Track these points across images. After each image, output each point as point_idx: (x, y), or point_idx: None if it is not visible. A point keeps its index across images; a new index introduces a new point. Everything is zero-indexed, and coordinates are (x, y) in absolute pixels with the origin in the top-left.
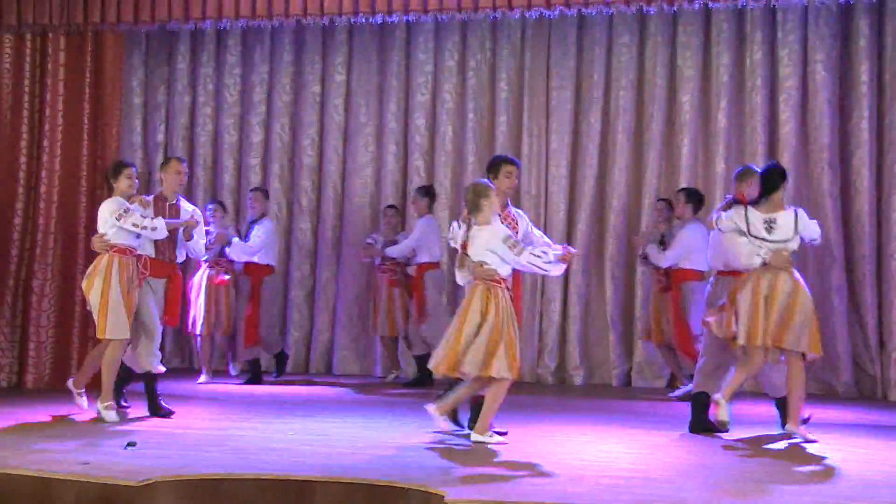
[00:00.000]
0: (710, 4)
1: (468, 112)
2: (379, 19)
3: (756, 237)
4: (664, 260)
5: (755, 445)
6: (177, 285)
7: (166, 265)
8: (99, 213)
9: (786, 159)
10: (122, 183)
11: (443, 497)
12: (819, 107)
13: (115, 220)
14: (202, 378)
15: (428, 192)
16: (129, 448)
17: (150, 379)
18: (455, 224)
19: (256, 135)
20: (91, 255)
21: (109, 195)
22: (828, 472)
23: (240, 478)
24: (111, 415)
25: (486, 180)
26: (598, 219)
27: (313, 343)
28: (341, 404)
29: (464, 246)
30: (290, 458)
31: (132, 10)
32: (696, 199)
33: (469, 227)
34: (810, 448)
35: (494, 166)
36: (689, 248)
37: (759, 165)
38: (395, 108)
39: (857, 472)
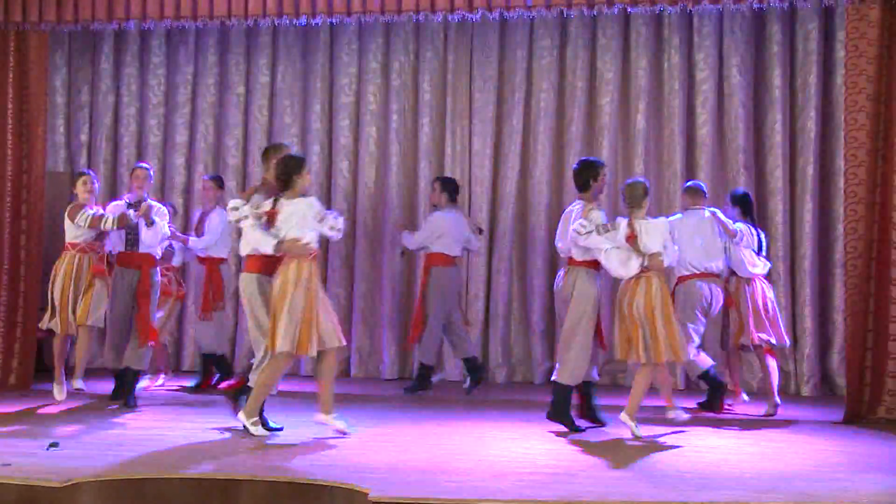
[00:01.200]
0: (629, 9)
1: (392, 113)
2: (303, 21)
3: (752, 250)
4: (412, 242)
5: (675, 442)
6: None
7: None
8: (291, 214)
9: (703, 161)
10: (306, 179)
11: (366, 494)
12: (734, 110)
13: (317, 222)
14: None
15: (221, 182)
16: (52, 449)
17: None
18: (582, 221)
19: (181, 135)
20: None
21: (269, 191)
22: (744, 466)
23: (164, 477)
24: (260, 430)
25: (642, 178)
26: (520, 218)
27: (238, 342)
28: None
29: (629, 238)
30: (214, 457)
31: (55, 9)
32: (451, 187)
33: (631, 222)
34: (727, 443)
35: (594, 169)
36: (439, 233)
37: (679, 169)
38: (320, 109)
39: (773, 466)
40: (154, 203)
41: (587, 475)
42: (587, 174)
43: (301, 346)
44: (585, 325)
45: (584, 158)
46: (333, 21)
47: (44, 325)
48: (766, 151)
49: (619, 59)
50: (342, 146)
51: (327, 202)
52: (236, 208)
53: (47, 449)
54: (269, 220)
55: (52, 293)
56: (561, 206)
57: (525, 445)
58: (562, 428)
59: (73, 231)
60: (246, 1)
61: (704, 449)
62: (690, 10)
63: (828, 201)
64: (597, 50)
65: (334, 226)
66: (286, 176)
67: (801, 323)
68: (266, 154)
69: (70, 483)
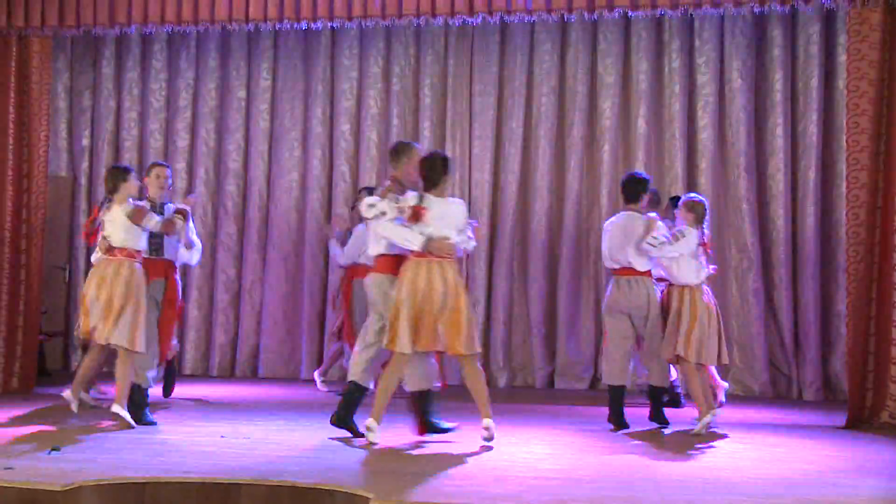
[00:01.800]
0: (630, 13)
1: (393, 118)
2: (304, 25)
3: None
4: (342, 258)
5: (676, 445)
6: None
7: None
8: (444, 214)
9: (704, 165)
10: (450, 180)
11: (368, 499)
12: (735, 113)
13: (465, 226)
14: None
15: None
16: (53, 452)
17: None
18: (655, 234)
19: (182, 140)
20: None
21: (401, 191)
22: (747, 471)
23: (164, 481)
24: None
25: (703, 197)
26: (520, 222)
27: (239, 346)
28: (267, 407)
29: (704, 247)
30: (215, 461)
31: (56, 14)
32: None
33: (677, 239)
34: (730, 448)
35: (645, 183)
36: (364, 247)
37: (679, 173)
38: (321, 113)
39: (776, 471)
40: (175, 206)
41: (589, 480)
42: (640, 187)
43: (475, 344)
44: (660, 332)
45: (634, 172)
46: (334, 25)
47: (90, 335)
48: (768, 155)
49: (619, 63)
50: (343, 150)
51: (328, 206)
52: (373, 205)
53: (49, 452)
54: (415, 217)
55: (105, 301)
56: (561, 210)
57: (527, 449)
58: (560, 431)
59: (137, 236)
60: (247, 5)
61: (707, 453)
62: (691, 14)
63: (829, 205)
64: (597, 54)
65: (471, 236)
66: (435, 175)
67: (804, 327)
68: (397, 153)
69: (71, 487)
